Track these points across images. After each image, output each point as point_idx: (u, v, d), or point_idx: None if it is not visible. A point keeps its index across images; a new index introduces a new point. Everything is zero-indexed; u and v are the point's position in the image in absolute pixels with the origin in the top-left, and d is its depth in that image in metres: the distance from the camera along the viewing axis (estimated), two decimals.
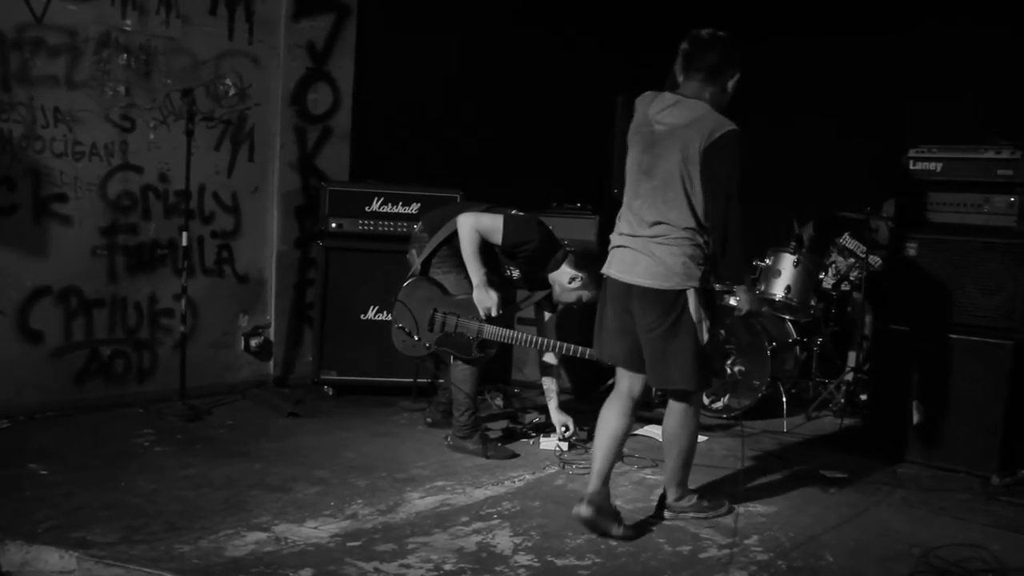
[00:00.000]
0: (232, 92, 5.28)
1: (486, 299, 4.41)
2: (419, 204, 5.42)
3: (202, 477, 3.95)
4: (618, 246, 3.62)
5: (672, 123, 3.48)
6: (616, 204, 6.52)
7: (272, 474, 4.04)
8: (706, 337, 3.45)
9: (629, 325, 3.53)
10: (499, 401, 5.44)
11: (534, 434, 4.84)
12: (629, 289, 3.50)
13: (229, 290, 5.43)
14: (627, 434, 3.66)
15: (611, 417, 3.59)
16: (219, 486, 3.85)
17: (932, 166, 4.69)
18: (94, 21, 4.71)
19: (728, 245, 3.40)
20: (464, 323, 4.44)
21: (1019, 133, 4.72)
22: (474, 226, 4.40)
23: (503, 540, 3.44)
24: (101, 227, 4.86)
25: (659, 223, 3.43)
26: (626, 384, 3.62)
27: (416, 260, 4.62)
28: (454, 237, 4.46)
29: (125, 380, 5.03)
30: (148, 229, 5.04)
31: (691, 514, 3.74)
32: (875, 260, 5.59)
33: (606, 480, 3.55)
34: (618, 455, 3.63)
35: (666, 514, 3.74)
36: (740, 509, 3.90)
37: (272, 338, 5.63)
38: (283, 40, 5.46)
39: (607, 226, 5.88)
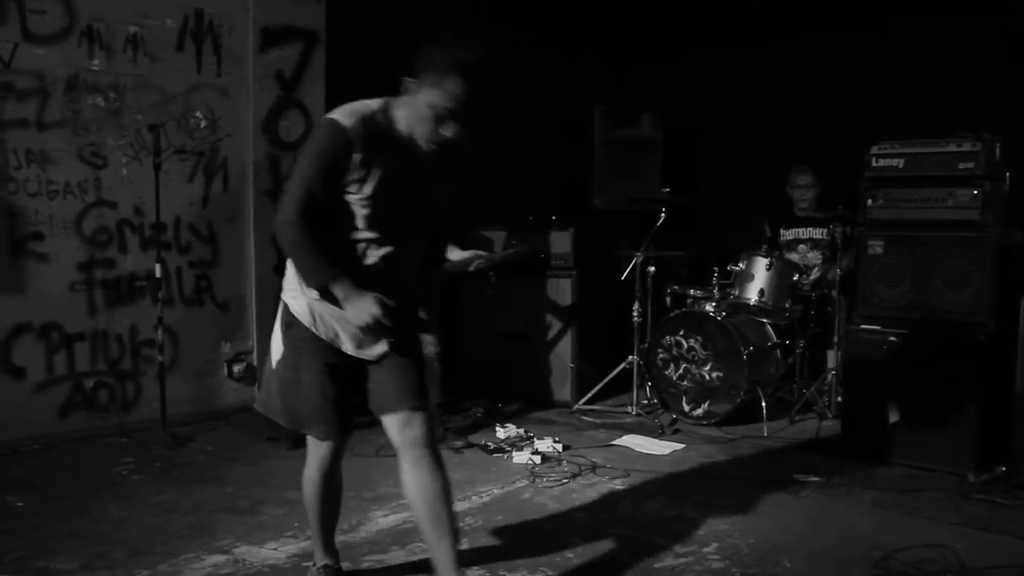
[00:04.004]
0: (203, 124, 5.38)
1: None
2: None
3: (172, 503, 4.01)
4: None
5: None
6: (597, 215, 6.66)
7: (242, 497, 4.10)
8: (276, 359, 2.90)
9: None
10: (479, 413, 5.47)
11: (508, 448, 4.86)
12: None
13: (210, 318, 5.52)
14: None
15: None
16: (188, 511, 3.91)
17: (895, 162, 4.66)
18: (62, 63, 4.82)
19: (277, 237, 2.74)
20: None
21: (985, 125, 4.70)
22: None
23: (459, 555, 3.46)
24: (78, 263, 4.97)
25: None
26: None
27: None
28: None
29: (109, 411, 5.12)
30: (125, 262, 5.14)
31: None
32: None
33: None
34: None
35: None
36: (705, 518, 3.90)
37: (255, 363, 5.70)
38: (252, 71, 5.55)
39: (582, 237, 5.97)
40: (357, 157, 2.64)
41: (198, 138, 5.38)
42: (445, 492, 2.85)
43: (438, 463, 2.85)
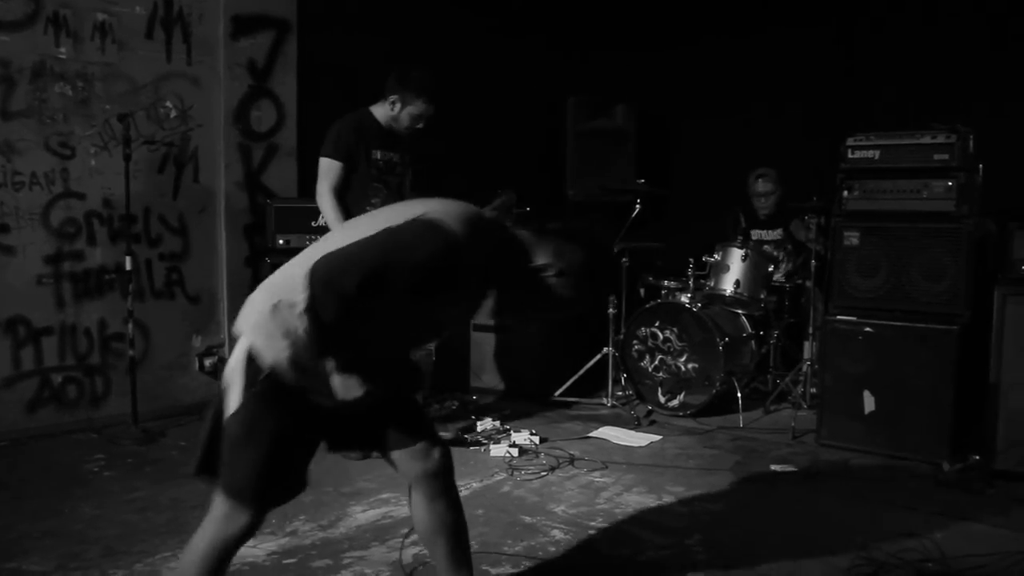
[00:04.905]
0: (173, 114, 5.29)
1: None
2: None
3: (148, 500, 3.94)
4: None
5: None
6: (571, 206, 6.65)
7: None
8: (232, 409, 2.33)
9: None
10: (454, 406, 5.44)
11: (485, 441, 4.83)
12: None
13: (180, 311, 5.43)
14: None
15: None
16: (163, 508, 3.84)
17: (870, 154, 4.69)
18: (27, 50, 4.71)
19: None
20: None
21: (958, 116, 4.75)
22: (319, 191, 4.45)
23: None
24: (46, 255, 4.86)
25: None
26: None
27: None
28: None
29: (78, 406, 5.02)
30: (94, 255, 5.03)
31: None
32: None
33: None
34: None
35: None
36: (685, 510, 3.91)
37: (227, 357, 5.60)
38: (223, 60, 5.46)
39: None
40: (445, 279, 2.27)
41: (168, 128, 5.29)
42: (464, 525, 2.75)
43: (457, 496, 2.71)
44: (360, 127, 4.53)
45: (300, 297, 2.28)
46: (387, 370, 2.46)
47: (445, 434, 4.85)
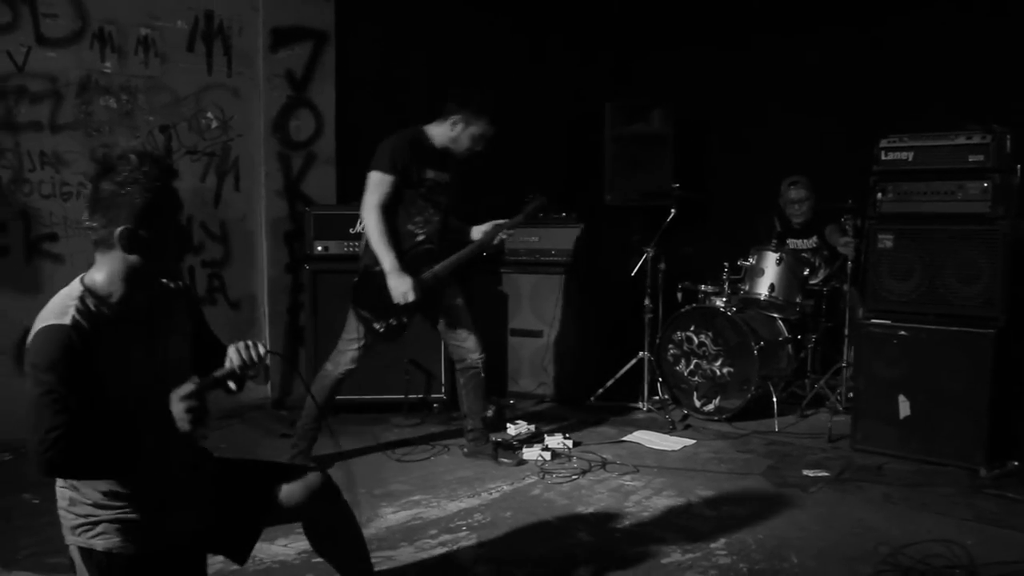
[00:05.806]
0: (214, 125, 5.44)
1: (400, 285, 4.28)
2: None
3: None
4: None
5: None
6: (608, 210, 6.65)
7: None
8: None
9: None
10: (490, 412, 5.47)
11: (517, 444, 4.87)
12: None
13: (222, 317, 5.55)
14: None
15: None
16: None
17: (904, 155, 4.63)
18: (74, 66, 4.91)
19: None
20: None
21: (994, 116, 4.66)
22: (366, 204, 4.30)
23: (467, 552, 3.49)
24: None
25: None
26: None
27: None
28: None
29: None
30: None
31: None
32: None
33: None
34: None
35: None
36: (713, 513, 3.90)
37: (268, 362, 5.72)
38: (262, 71, 5.61)
39: (593, 233, 5.97)
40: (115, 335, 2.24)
41: (209, 138, 5.45)
42: (358, 534, 2.97)
43: (348, 509, 2.90)
44: (415, 144, 4.42)
45: (60, 486, 2.36)
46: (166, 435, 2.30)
47: (506, 460, 4.71)
